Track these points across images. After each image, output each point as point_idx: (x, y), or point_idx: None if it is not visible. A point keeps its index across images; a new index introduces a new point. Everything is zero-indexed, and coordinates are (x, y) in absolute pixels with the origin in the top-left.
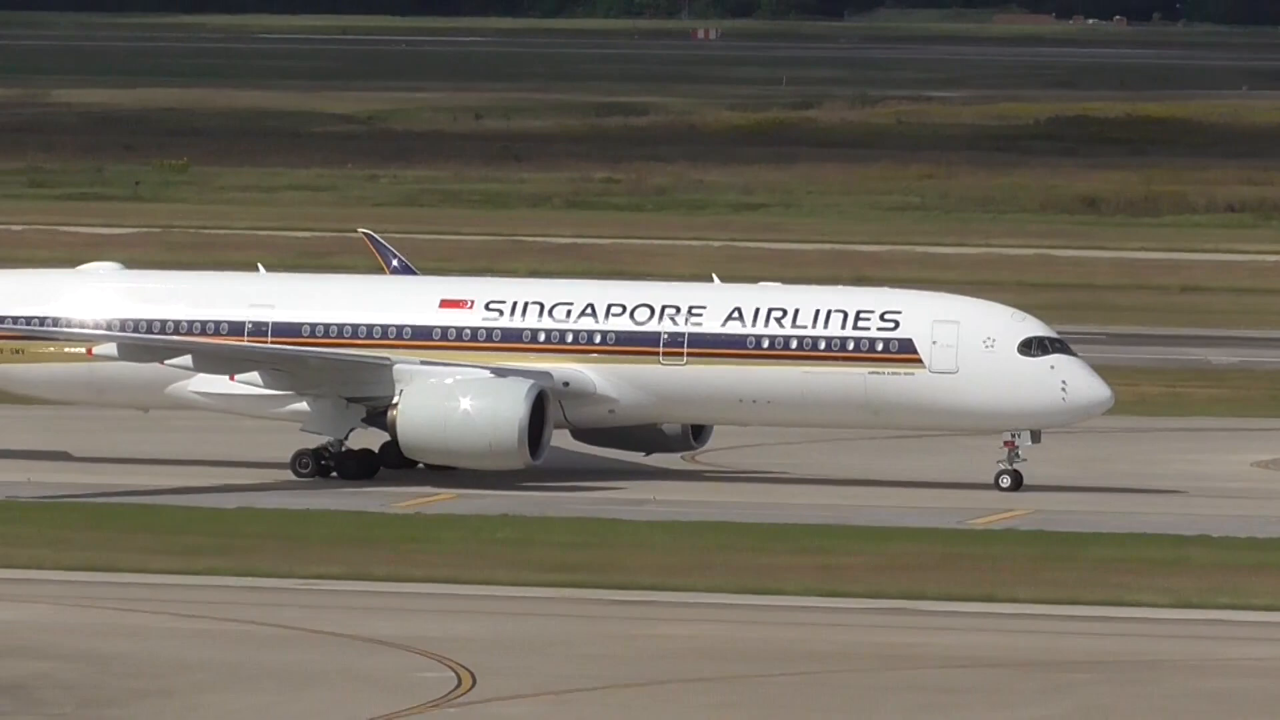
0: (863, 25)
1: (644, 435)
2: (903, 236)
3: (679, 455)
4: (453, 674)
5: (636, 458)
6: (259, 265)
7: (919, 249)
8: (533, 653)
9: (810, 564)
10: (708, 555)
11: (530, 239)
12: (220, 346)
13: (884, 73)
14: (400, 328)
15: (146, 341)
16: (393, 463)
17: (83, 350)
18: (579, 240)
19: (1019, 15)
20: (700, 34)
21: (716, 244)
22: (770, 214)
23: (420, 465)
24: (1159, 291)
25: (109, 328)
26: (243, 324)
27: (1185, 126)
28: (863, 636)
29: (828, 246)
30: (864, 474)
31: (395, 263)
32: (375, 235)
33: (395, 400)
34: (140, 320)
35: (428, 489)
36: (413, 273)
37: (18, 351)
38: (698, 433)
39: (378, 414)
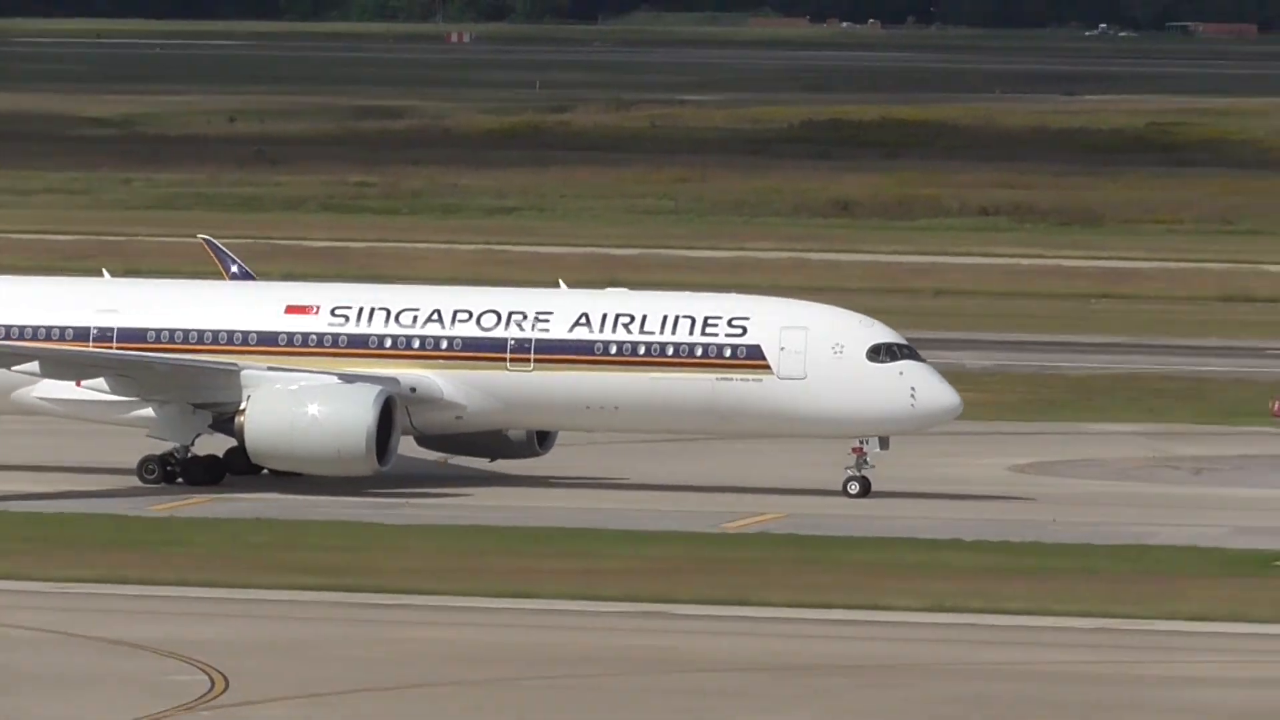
0: (617, 29)
1: (489, 442)
2: (657, 240)
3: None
4: (205, 677)
5: (480, 464)
6: (104, 271)
7: (673, 252)
8: (287, 656)
9: (566, 568)
10: (464, 559)
11: (285, 242)
12: (68, 352)
13: (638, 76)
14: (246, 333)
15: None
16: (238, 468)
17: None
18: (334, 244)
19: (773, 19)
20: (454, 37)
21: (472, 247)
22: (524, 217)
23: (264, 471)
24: (913, 295)
25: None
26: (88, 329)
27: (939, 130)
28: (618, 640)
29: (582, 250)
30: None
31: (235, 269)
32: (215, 241)
33: (243, 406)
34: None
35: (189, 495)
36: (252, 278)
37: None
38: (542, 438)
39: (225, 420)
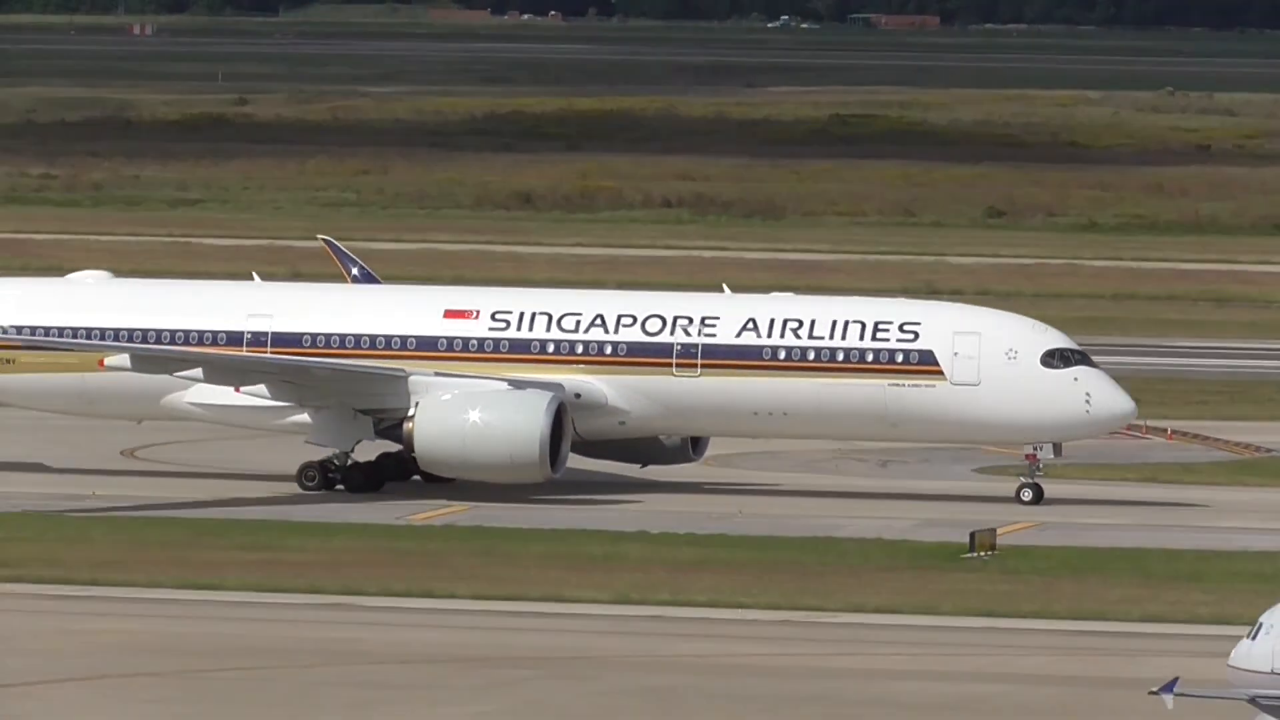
0: (297, 20)
1: (643, 447)
2: (340, 232)
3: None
4: None
5: (632, 469)
6: (254, 274)
7: (357, 245)
8: None
9: (251, 559)
10: (148, 550)
11: None
12: (234, 358)
13: (319, 68)
14: (405, 338)
15: (159, 353)
16: (392, 474)
17: (75, 360)
18: (17, 236)
19: (453, 10)
20: (136, 29)
21: (157, 239)
22: (207, 209)
23: (415, 476)
24: (597, 287)
25: (116, 338)
26: (242, 334)
27: (620, 121)
28: (303, 632)
29: (265, 242)
30: None
31: (356, 270)
32: (335, 242)
33: (411, 413)
34: (138, 330)
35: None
36: (375, 280)
37: (9, 361)
38: (696, 444)
39: (388, 426)
